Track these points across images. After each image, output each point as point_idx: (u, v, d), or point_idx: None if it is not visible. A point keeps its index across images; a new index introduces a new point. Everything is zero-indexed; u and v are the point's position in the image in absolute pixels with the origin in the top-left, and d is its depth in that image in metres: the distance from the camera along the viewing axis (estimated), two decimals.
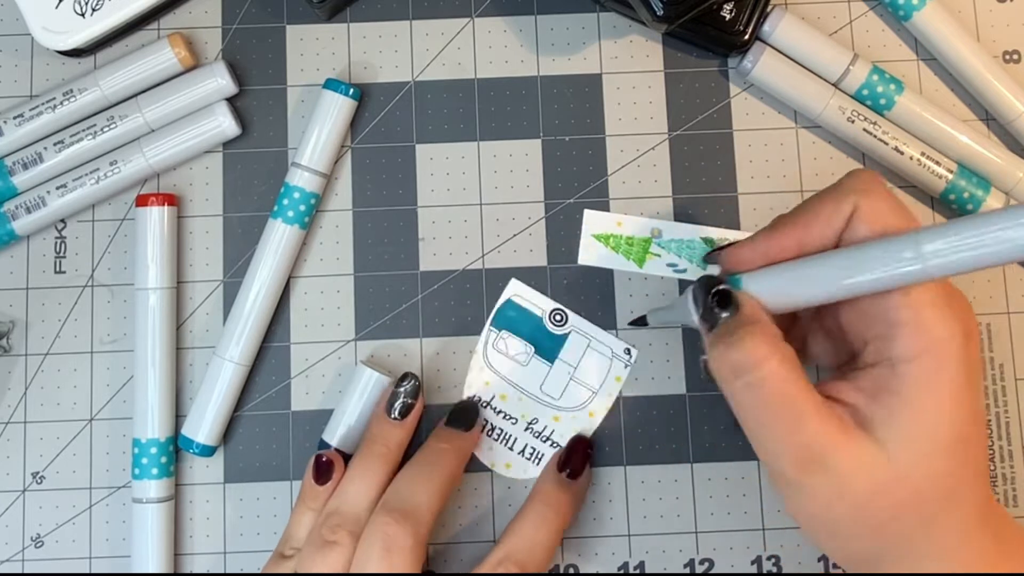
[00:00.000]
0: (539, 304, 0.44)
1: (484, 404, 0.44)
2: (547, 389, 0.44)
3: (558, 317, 0.44)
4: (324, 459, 0.41)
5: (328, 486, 0.40)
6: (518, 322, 0.44)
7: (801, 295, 0.33)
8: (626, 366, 0.44)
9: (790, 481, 0.33)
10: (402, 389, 0.41)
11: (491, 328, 0.44)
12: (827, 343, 0.37)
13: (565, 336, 0.44)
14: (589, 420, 0.44)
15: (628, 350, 0.44)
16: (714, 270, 0.39)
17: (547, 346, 0.44)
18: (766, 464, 0.34)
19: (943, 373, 0.31)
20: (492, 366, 0.44)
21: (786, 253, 0.34)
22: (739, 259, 0.36)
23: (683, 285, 0.45)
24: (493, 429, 0.44)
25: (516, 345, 0.44)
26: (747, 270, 0.35)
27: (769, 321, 0.33)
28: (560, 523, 0.41)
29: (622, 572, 0.43)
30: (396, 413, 0.41)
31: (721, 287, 0.34)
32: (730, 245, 0.37)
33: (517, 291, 0.44)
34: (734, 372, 0.32)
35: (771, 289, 0.34)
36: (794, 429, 0.32)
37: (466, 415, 0.42)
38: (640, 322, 0.43)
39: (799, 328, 0.38)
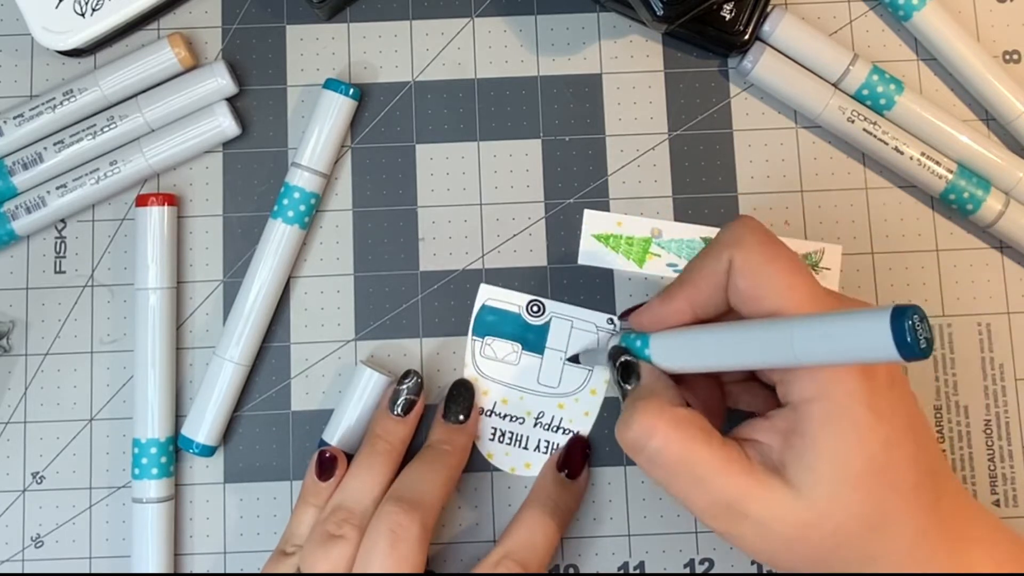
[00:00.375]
0: (513, 301, 0.44)
1: (488, 413, 0.44)
2: (544, 380, 0.44)
3: (535, 308, 0.44)
4: (328, 455, 0.41)
5: (331, 482, 0.40)
6: (498, 324, 0.44)
7: (699, 364, 0.35)
8: (612, 334, 0.44)
9: (719, 533, 0.34)
10: (404, 386, 0.42)
11: (474, 338, 0.44)
12: (748, 389, 0.39)
13: (547, 324, 0.44)
14: (592, 398, 0.44)
15: (610, 319, 0.44)
16: None
17: (532, 339, 0.44)
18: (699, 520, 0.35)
19: (841, 410, 0.32)
20: (485, 374, 0.44)
21: (681, 316, 0.36)
22: (641, 324, 0.37)
23: None
24: (504, 435, 0.44)
25: (503, 347, 0.44)
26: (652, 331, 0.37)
27: (663, 389, 0.35)
28: (560, 522, 0.41)
29: (622, 572, 0.43)
30: (399, 410, 0.41)
31: (624, 359, 0.36)
32: (636, 307, 0.38)
33: (489, 295, 0.44)
34: (634, 450, 0.34)
35: (671, 354, 0.36)
36: (703, 489, 0.33)
37: (461, 403, 0.42)
38: (574, 360, 0.44)
39: (721, 379, 0.40)
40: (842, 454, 0.32)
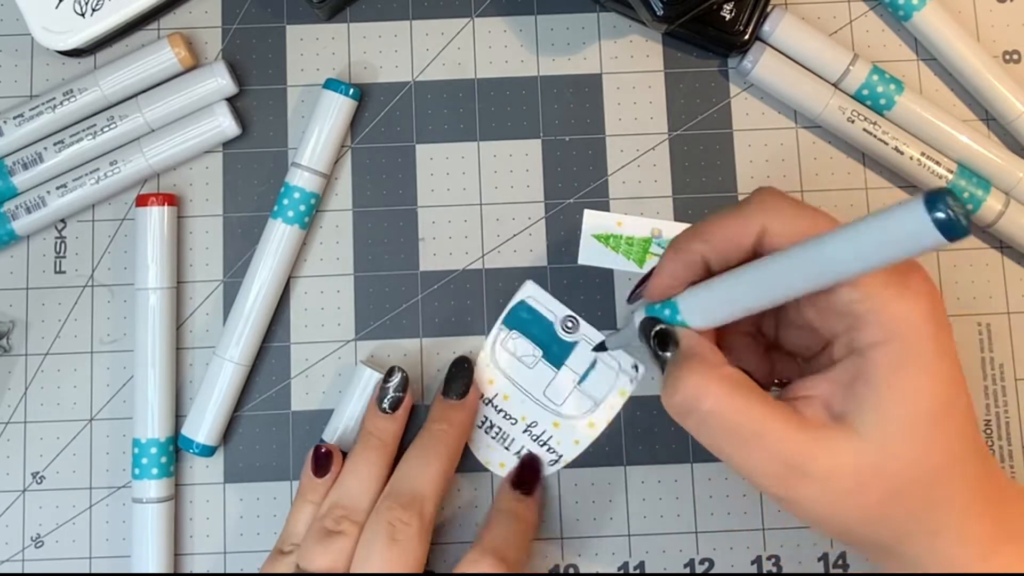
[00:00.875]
0: (552, 309, 0.44)
1: (486, 401, 0.44)
2: (550, 394, 0.44)
3: (570, 324, 0.44)
4: (323, 450, 0.41)
5: (327, 479, 0.40)
6: (529, 324, 0.44)
7: (738, 309, 0.33)
8: (631, 381, 0.44)
9: (777, 497, 0.32)
10: (390, 384, 0.42)
11: (502, 326, 0.44)
12: (799, 333, 0.37)
13: (574, 344, 0.44)
14: (588, 431, 0.44)
15: (636, 366, 0.44)
16: None
17: (555, 351, 0.44)
18: (752, 484, 0.34)
19: (913, 351, 0.31)
20: (498, 364, 0.44)
21: (696, 270, 0.34)
22: (657, 293, 0.36)
23: None
24: (492, 427, 0.44)
25: (524, 346, 0.44)
26: (672, 296, 0.35)
27: (707, 352, 0.33)
28: (524, 532, 0.41)
29: (622, 572, 0.43)
30: (386, 406, 0.41)
31: (659, 328, 0.35)
32: (643, 281, 0.37)
33: (532, 293, 0.44)
34: (682, 414, 0.33)
35: (707, 309, 0.34)
36: (759, 450, 0.32)
37: (460, 381, 0.42)
38: (600, 348, 0.43)
39: (769, 323, 0.38)
40: (912, 393, 0.31)
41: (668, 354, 0.34)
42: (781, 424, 0.31)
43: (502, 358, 0.44)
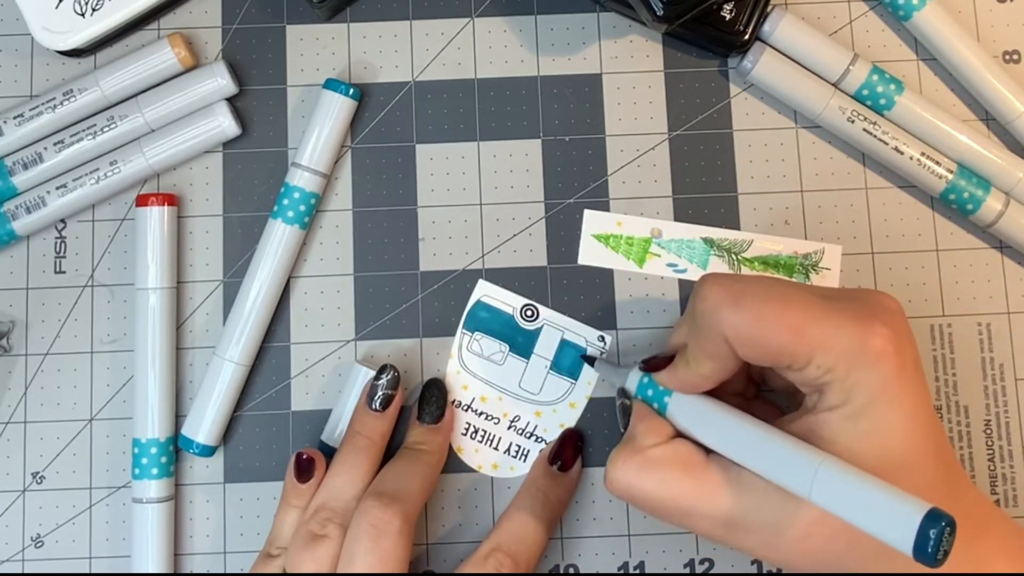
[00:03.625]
0: (509, 302, 0.44)
1: (464, 407, 0.43)
2: (526, 385, 0.44)
3: (529, 312, 0.44)
4: (304, 457, 0.40)
5: (311, 483, 0.40)
6: (489, 322, 0.44)
7: (714, 444, 0.35)
8: (601, 353, 0.44)
9: (730, 547, 0.35)
10: (381, 381, 0.41)
11: (463, 331, 0.44)
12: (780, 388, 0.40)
13: (538, 331, 0.44)
14: (570, 411, 0.44)
15: (601, 337, 0.44)
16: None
17: (521, 342, 0.44)
18: None
19: (863, 410, 0.32)
20: (468, 369, 0.44)
21: (708, 384, 0.36)
22: (667, 385, 0.38)
23: (683, 285, 0.44)
24: (476, 431, 0.44)
25: (490, 345, 0.44)
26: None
27: (643, 432, 0.37)
28: (551, 515, 0.41)
29: (622, 572, 0.43)
30: (377, 405, 0.41)
31: (621, 403, 0.39)
32: (657, 359, 0.38)
33: (486, 291, 0.44)
34: (617, 495, 0.37)
35: (688, 422, 0.37)
36: (693, 520, 0.35)
37: (434, 405, 0.42)
38: (590, 361, 0.44)
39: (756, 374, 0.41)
40: (857, 450, 0.32)
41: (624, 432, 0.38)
42: (707, 496, 0.34)
43: (471, 362, 0.44)
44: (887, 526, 0.27)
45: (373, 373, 0.42)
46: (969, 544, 0.33)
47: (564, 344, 0.44)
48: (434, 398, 0.42)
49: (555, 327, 0.44)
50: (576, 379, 0.44)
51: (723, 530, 0.34)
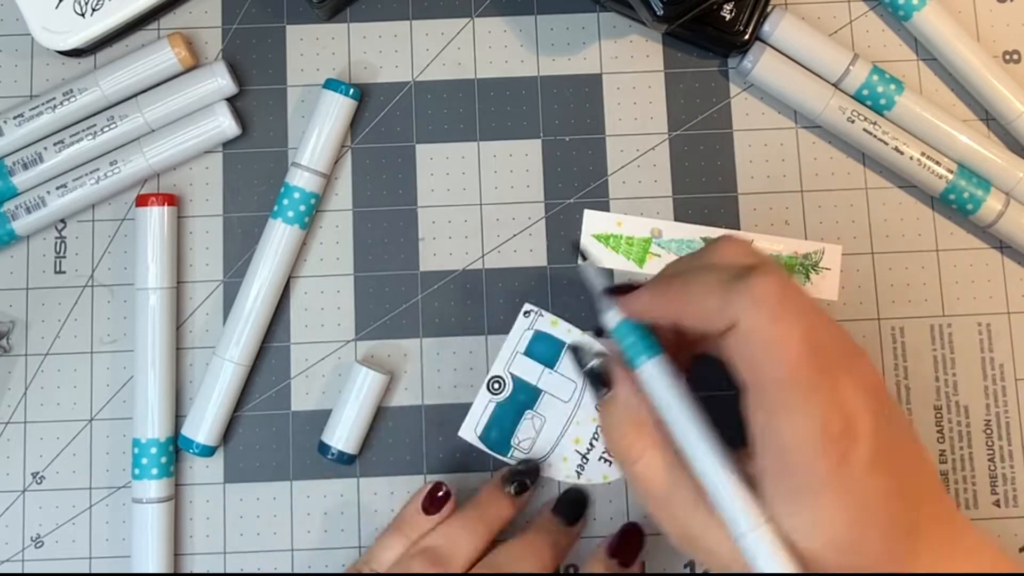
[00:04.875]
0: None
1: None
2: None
3: (496, 385, 0.44)
4: (440, 493, 0.40)
5: (433, 519, 0.40)
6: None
7: (670, 424, 0.34)
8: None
9: (677, 547, 0.35)
10: (523, 467, 0.42)
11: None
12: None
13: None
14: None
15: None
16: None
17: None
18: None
19: (806, 493, 0.31)
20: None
21: (664, 320, 0.34)
22: (628, 310, 0.35)
23: None
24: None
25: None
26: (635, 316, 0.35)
27: (638, 407, 0.34)
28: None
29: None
30: (512, 488, 0.41)
31: (594, 364, 0.36)
32: (623, 290, 0.36)
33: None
34: (618, 458, 0.35)
35: (655, 395, 0.34)
36: (666, 518, 0.34)
37: (575, 507, 0.42)
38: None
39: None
40: (803, 535, 0.31)
41: (601, 391, 0.36)
42: (694, 503, 0.33)
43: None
44: None
45: (374, 374, 0.42)
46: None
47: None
48: (577, 503, 0.43)
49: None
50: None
51: (686, 538, 0.34)
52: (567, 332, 0.44)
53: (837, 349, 0.32)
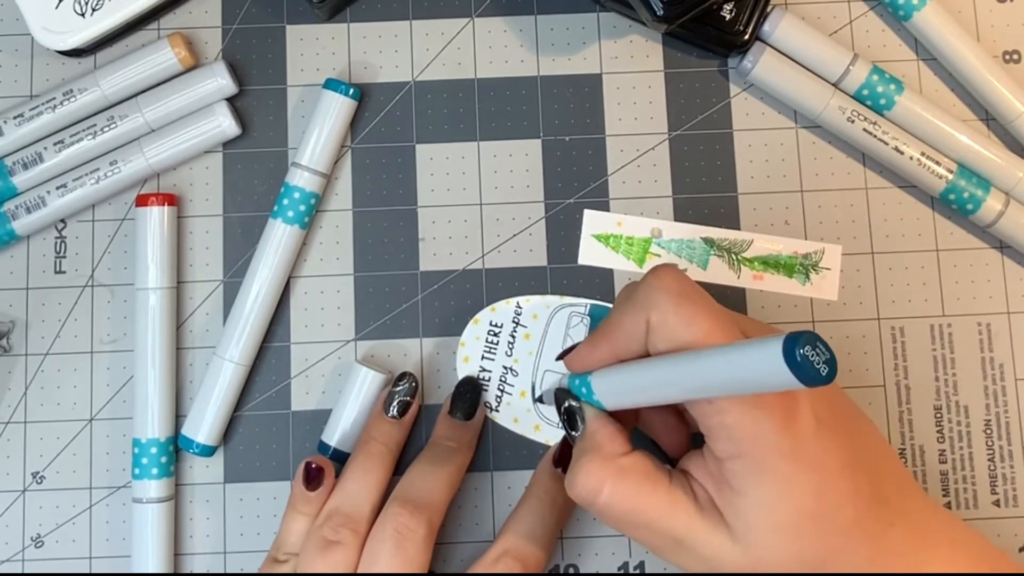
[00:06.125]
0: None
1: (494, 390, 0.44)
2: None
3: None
4: (314, 466, 0.40)
5: (320, 491, 0.40)
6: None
7: (637, 400, 0.36)
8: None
9: (673, 564, 0.35)
10: (399, 388, 0.42)
11: (587, 311, 0.44)
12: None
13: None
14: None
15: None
16: None
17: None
18: None
19: (763, 465, 0.32)
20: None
21: (606, 359, 0.37)
22: (571, 367, 0.39)
23: None
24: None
25: (579, 336, 0.44)
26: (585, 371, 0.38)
27: (606, 441, 0.36)
28: (558, 517, 0.41)
29: (622, 572, 0.43)
30: (394, 411, 0.41)
31: (568, 405, 0.38)
32: (570, 350, 0.39)
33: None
34: (583, 503, 0.36)
35: (611, 393, 0.37)
36: (651, 533, 0.35)
37: (467, 402, 0.42)
38: (540, 400, 0.44)
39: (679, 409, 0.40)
40: (769, 506, 0.32)
41: (576, 433, 0.38)
42: (669, 510, 0.34)
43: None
44: (766, 376, 0.28)
45: (374, 374, 0.42)
46: (916, 554, 0.33)
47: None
48: (468, 395, 0.43)
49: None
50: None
51: (673, 547, 0.34)
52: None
53: (742, 321, 0.35)
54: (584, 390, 0.38)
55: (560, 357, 0.40)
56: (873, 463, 0.34)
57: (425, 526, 0.38)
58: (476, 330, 0.44)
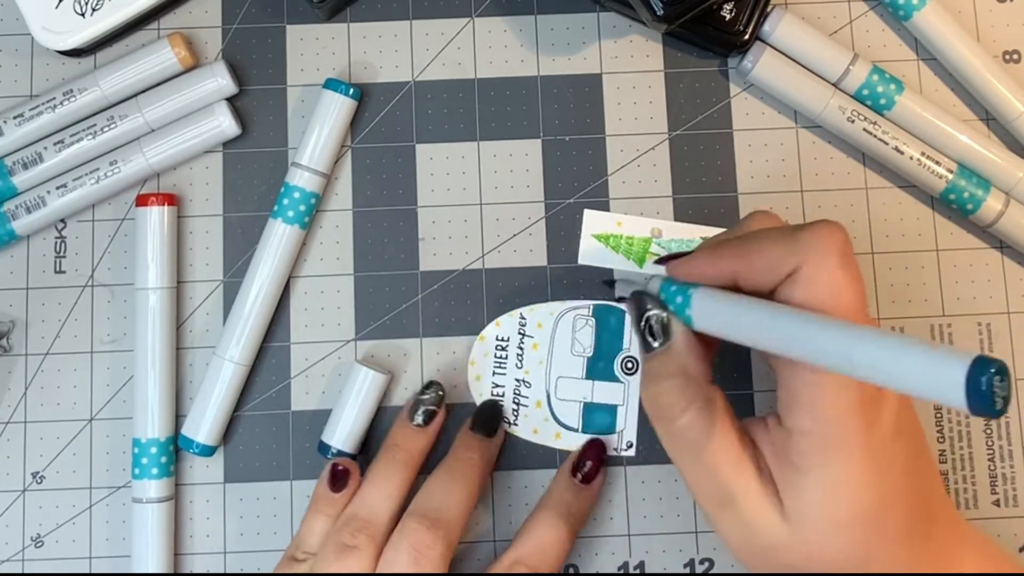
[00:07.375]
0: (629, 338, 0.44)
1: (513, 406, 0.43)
2: (557, 410, 0.44)
3: (630, 365, 0.44)
4: (340, 468, 0.40)
5: (344, 493, 0.40)
6: (608, 328, 0.44)
7: (741, 336, 0.33)
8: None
9: (706, 513, 0.34)
10: (426, 396, 0.41)
11: (590, 313, 0.44)
12: None
13: (615, 380, 0.44)
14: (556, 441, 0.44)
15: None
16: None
17: (600, 368, 0.44)
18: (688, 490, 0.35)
19: (836, 449, 0.31)
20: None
21: (721, 281, 0.34)
22: (682, 274, 0.36)
23: None
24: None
25: (586, 339, 0.44)
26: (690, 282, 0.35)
27: (695, 363, 0.34)
28: (572, 527, 0.41)
29: (622, 572, 0.43)
30: (419, 420, 0.41)
31: (654, 313, 0.35)
32: (676, 256, 0.36)
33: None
34: (656, 416, 0.34)
35: (713, 319, 0.34)
36: (706, 475, 0.33)
37: (489, 420, 0.42)
38: (610, 283, 0.43)
39: None
40: (832, 497, 0.31)
41: (655, 343, 0.35)
42: (735, 463, 0.33)
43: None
44: (935, 386, 0.25)
45: (374, 374, 0.42)
46: (950, 562, 0.33)
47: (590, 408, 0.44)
48: (490, 415, 0.42)
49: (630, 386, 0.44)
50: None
51: (719, 501, 0.33)
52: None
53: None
54: (680, 299, 0.35)
55: (663, 261, 0.37)
56: (928, 480, 0.34)
57: (442, 543, 0.37)
58: (483, 347, 0.44)
